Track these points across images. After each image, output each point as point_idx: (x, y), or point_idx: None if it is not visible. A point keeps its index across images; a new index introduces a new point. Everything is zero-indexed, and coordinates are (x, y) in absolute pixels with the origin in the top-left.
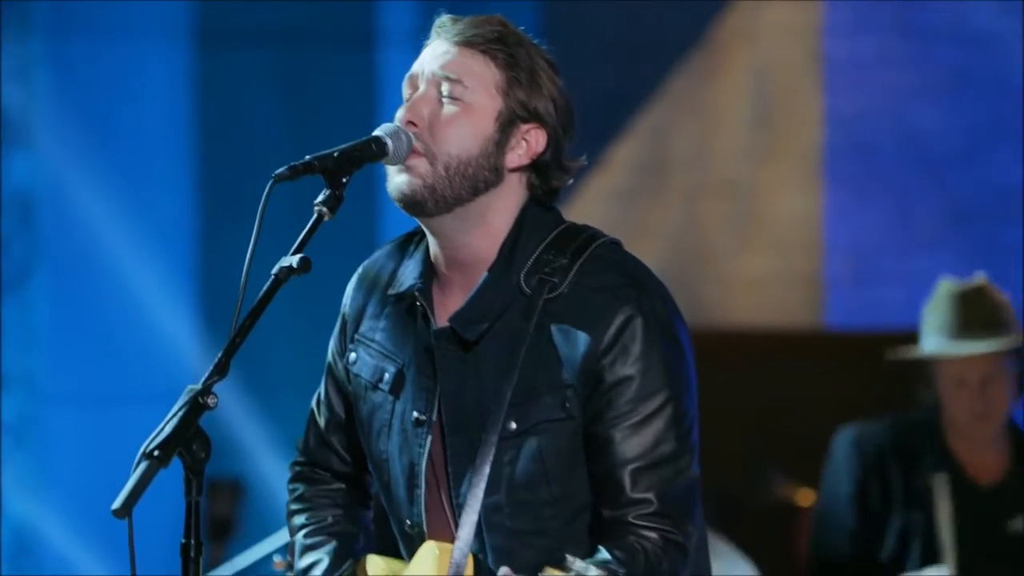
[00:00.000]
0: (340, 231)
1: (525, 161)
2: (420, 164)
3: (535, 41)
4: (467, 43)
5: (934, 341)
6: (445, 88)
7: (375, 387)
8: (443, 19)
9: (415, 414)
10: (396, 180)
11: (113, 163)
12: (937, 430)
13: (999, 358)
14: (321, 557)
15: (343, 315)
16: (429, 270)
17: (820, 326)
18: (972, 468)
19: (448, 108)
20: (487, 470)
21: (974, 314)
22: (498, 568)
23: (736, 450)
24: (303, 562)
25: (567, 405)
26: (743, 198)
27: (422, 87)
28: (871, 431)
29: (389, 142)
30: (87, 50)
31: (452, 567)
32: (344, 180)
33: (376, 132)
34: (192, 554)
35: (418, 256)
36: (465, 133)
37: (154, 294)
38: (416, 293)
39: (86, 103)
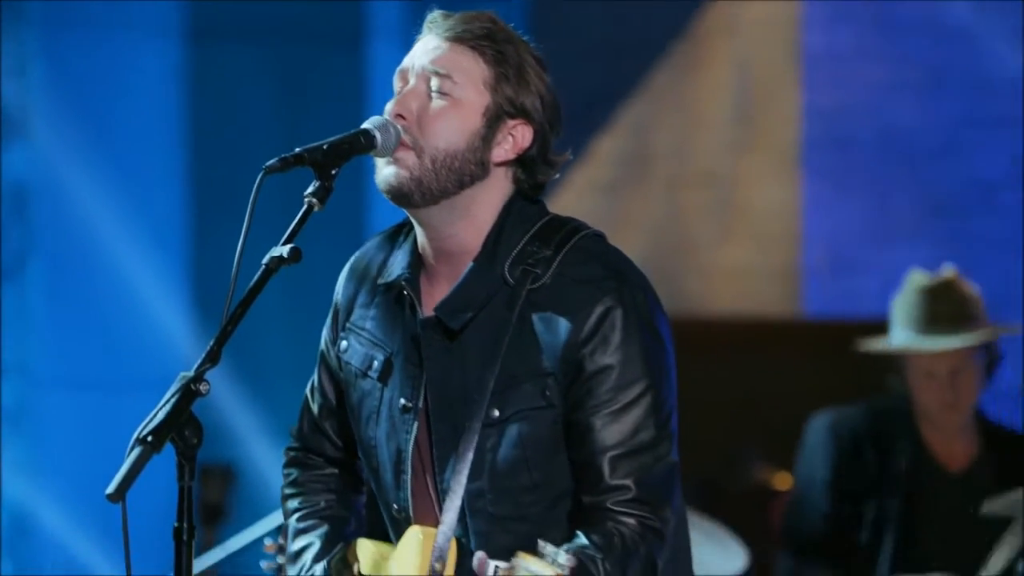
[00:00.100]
0: (329, 222)
1: (511, 156)
2: (408, 157)
3: (524, 38)
4: (457, 39)
5: (902, 335)
6: (434, 83)
7: (365, 374)
8: (434, 15)
9: (402, 401)
10: (384, 172)
11: (107, 155)
12: (910, 416)
13: (968, 351)
14: (313, 541)
15: (335, 304)
16: (417, 260)
17: (798, 315)
18: (943, 455)
19: (437, 102)
20: (470, 456)
21: (942, 309)
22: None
23: (716, 435)
24: (295, 545)
25: (547, 393)
26: (724, 190)
27: (412, 81)
28: (846, 417)
29: (377, 135)
30: (82, 45)
31: (435, 551)
32: (333, 172)
33: (365, 125)
34: (185, 537)
35: (406, 247)
36: (452, 127)
37: (148, 283)
38: (403, 283)
39: (81, 97)
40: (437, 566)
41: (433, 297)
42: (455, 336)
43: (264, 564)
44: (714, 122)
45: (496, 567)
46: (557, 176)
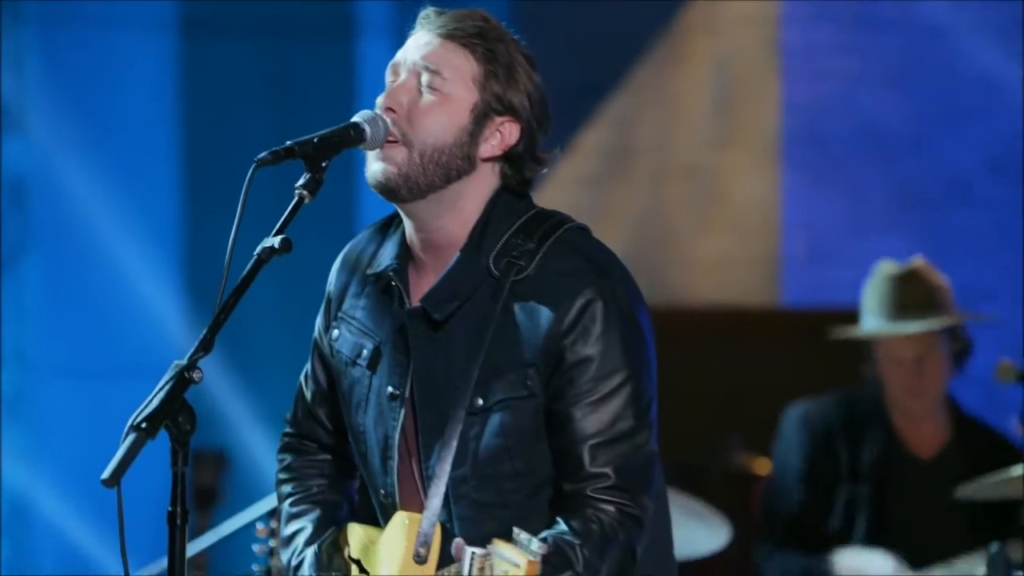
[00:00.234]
0: (320, 213)
1: (498, 152)
2: (397, 152)
3: (516, 37)
4: (449, 36)
5: (871, 321)
6: (425, 78)
7: (354, 363)
8: (428, 11)
9: (390, 389)
10: (373, 168)
11: (103, 148)
12: (881, 405)
13: (934, 337)
14: (305, 525)
15: (328, 293)
16: (405, 252)
17: (777, 305)
18: (913, 443)
19: (426, 97)
20: (455, 444)
21: (909, 295)
22: (465, 537)
23: (698, 423)
24: (288, 529)
25: (529, 383)
26: (705, 183)
27: (403, 76)
28: (819, 409)
29: (367, 128)
30: (77, 39)
31: (420, 536)
32: (324, 164)
33: (354, 118)
34: (178, 522)
35: (395, 238)
36: (441, 122)
37: (142, 273)
38: (391, 274)
39: (77, 91)
40: (422, 551)
41: (421, 288)
42: (440, 326)
43: (256, 548)
44: (695, 116)
45: (472, 553)
46: (545, 171)
